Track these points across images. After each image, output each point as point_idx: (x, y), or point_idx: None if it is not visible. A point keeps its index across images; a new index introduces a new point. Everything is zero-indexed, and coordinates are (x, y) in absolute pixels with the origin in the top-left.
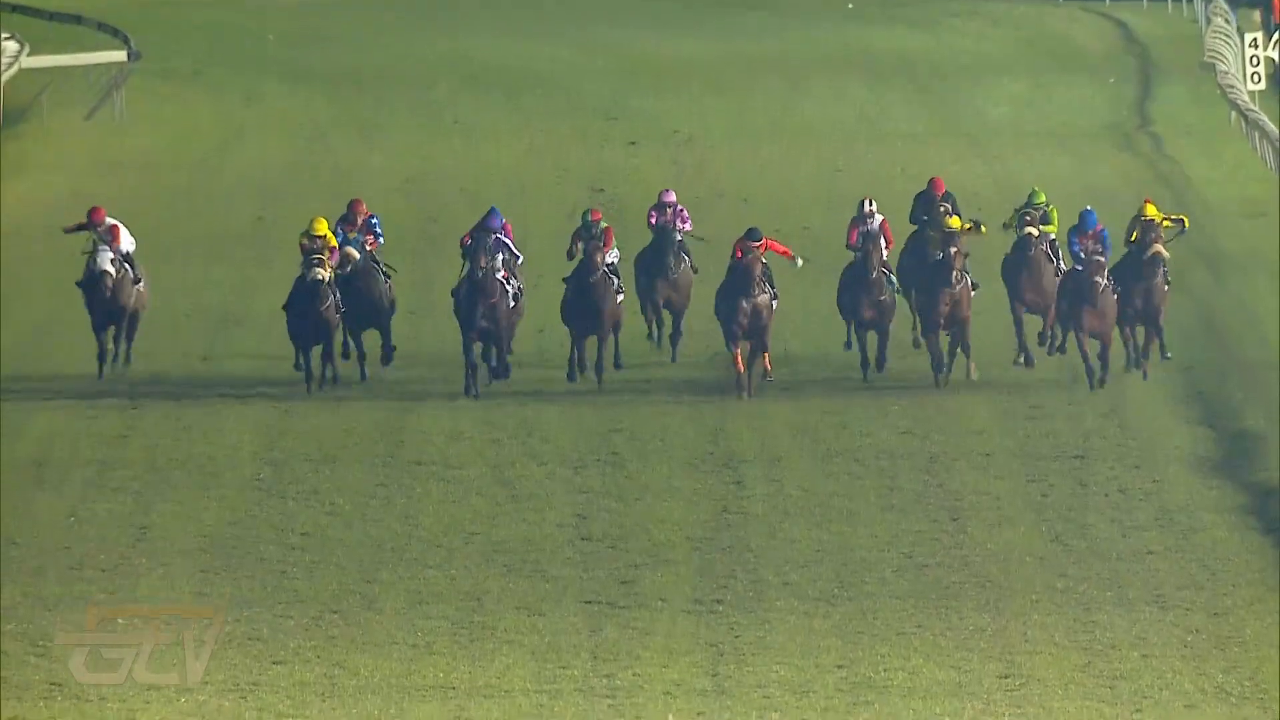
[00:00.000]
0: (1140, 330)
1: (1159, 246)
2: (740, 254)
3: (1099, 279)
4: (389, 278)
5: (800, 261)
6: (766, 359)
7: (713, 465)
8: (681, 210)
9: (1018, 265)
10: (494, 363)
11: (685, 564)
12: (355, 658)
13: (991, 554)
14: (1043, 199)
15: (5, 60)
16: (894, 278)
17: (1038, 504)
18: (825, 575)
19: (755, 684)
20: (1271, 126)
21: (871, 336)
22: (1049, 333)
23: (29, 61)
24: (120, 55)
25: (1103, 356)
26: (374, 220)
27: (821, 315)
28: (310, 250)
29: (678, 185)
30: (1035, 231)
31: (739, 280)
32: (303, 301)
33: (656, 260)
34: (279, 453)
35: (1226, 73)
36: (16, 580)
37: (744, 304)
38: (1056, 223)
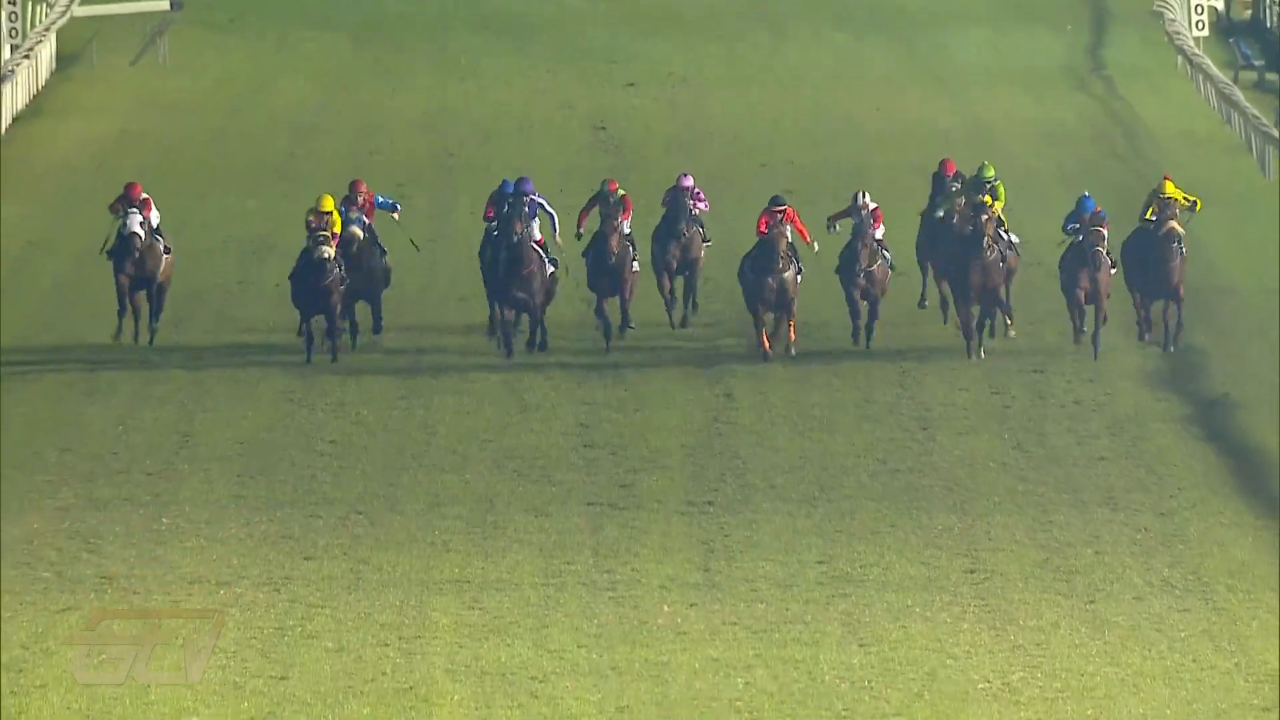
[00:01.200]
0: (1162, 305)
1: (1174, 223)
2: (765, 227)
3: (1099, 249)
4: (385, 253)
5: (816, 246)
6: (792, 330)
7: (705, 380)
8: (698, 192)
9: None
10: (532, 335)
11: (679, 469)
12: (378, 554)
13: (958, 460)
14: (991, 173)
15: (57, 9)
16: (887, 253)
17: (1000, 414)
18: (807, 479)
19: (743, 578)
20: (1214, 69)
21: (863, 306)
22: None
23: (80, 10)
24: (163, 5)
25: (1096, 325)
26: (380, 200)
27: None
28: (317, 227)
29: (672, 123)
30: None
31: (765, 255)
32: (308, 277)
33: (668, 228)
34: (308, 367)
35: (1173, 20)
36: (70, 484)
37: (770, 280)
38: (1004, 196)
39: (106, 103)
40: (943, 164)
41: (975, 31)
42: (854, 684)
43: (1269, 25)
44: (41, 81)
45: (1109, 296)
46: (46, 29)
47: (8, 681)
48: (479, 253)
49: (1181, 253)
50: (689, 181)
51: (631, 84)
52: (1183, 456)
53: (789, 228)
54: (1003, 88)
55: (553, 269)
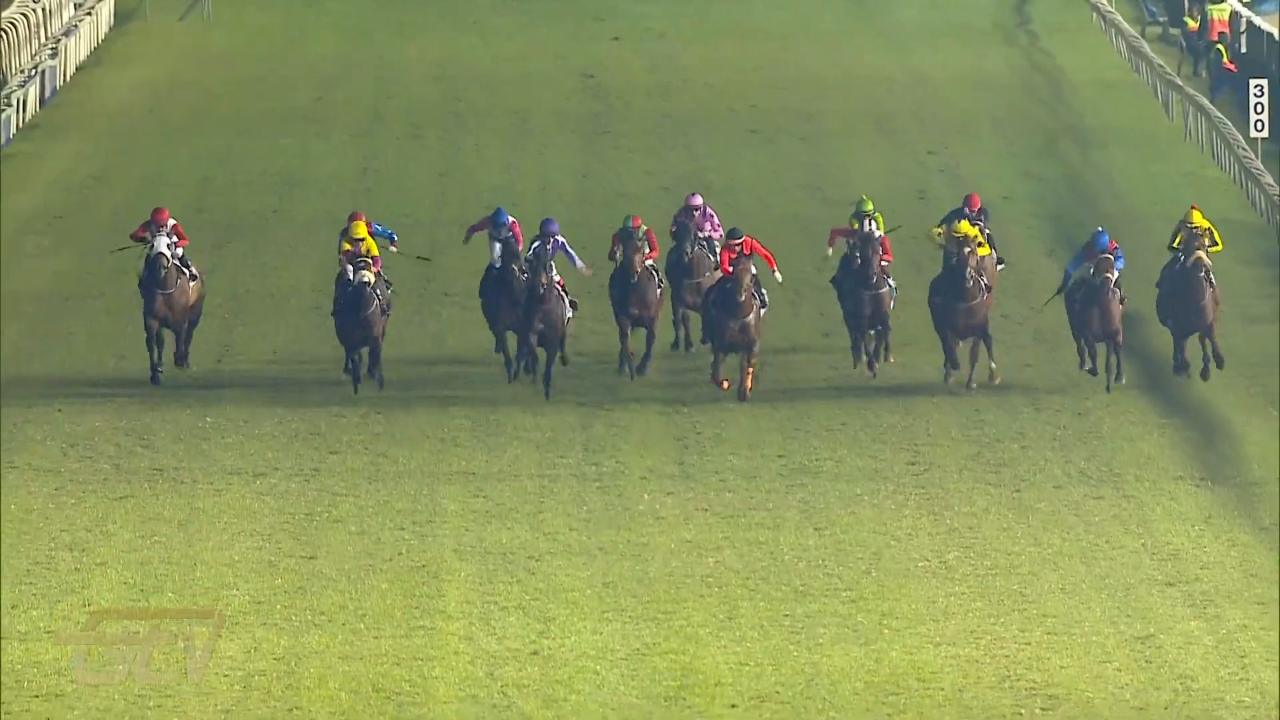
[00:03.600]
0: (1196, 338)
1: (1201, 253)
2: (729, 265)
3: (1109, 287)
4: (390, 285)
5: (779, 276)
6: (750, 374)
7: None
8: (709, 213)
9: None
10: (548, 368)
11: (657, 374)
12: (395, 449)
13: (900, 367)
14: (870, 206)
15: None
16: (892, 281)
17: None
18: (768, 384)
19: (713, 470)
20: (1124, 24)
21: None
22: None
23: None
24: None
25: (1118, 356)
26: (376, 229)
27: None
28: (354, 254)
29: (651, 72)
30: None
31: (729, 297)
32: (352, 308)
33: (677, 258)
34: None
35: None
36: (126, 388)
37: (732, 324)
38: (883, 225)
39: (158, 53)
40: (967, 199)
41: None
42: (810, 563)
43: None
44: (101, 35)
45: (1120, 330)
46: None
47: (73, 559)
48: (481, 291)
49: (1211, 285)
50: (697, 200)
51: (616, 38)
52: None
53: (753, 260)
54: (940, 41)
55: (570, 313)
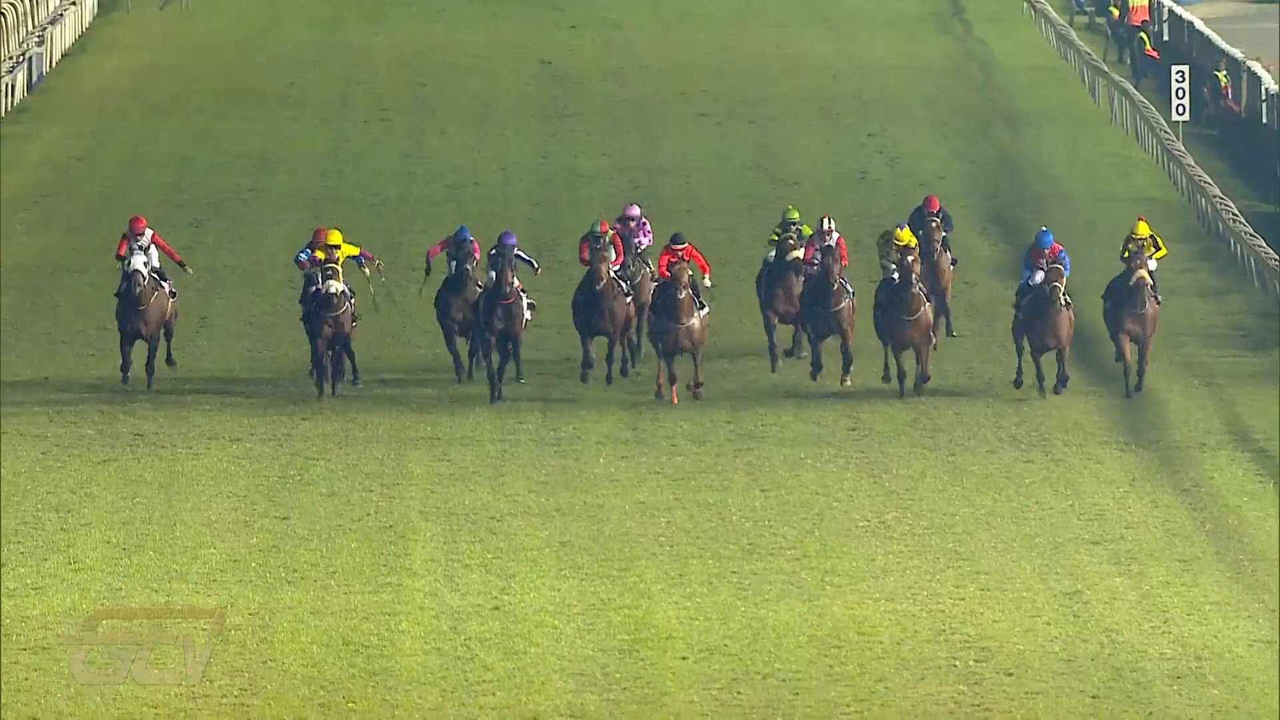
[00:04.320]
0: (1133, 349)
1: (1144, 272)
2: (666, 268)
3: (1056, 298)
4: (353, 295)
5: (710, 282)
6: (698, 375)
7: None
8: (644, 224)
9: (774, 277)
10: (517, 369)
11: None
12: (365, 415)
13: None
14: (796, 216)
15: None
16: (850, 287)
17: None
18: (717, 352)
19: (665, 435)
20: (1053, 13)
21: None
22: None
23: None
24: None
25: (1060, 365)
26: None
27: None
28: (326, 261)
29: (606, 59)
30: (799, 254)
31: (669, 302)
32: (320, 313)
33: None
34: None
35: None
36: (110, 357)
37: (675, 327)
38: (808, 231)
39: (139, 41)
40: (926, 200)
41: None
42: (756, 523)
43: None
44: (85, 24)
45: (1069, 341)
46: None
47: (59, 519)
48: (436, 300)
49: (1154, 297)
50: (635, 211)
51: (573, 26)
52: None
53: (690, 265)
54: (880, 29)
55: (529, 314)
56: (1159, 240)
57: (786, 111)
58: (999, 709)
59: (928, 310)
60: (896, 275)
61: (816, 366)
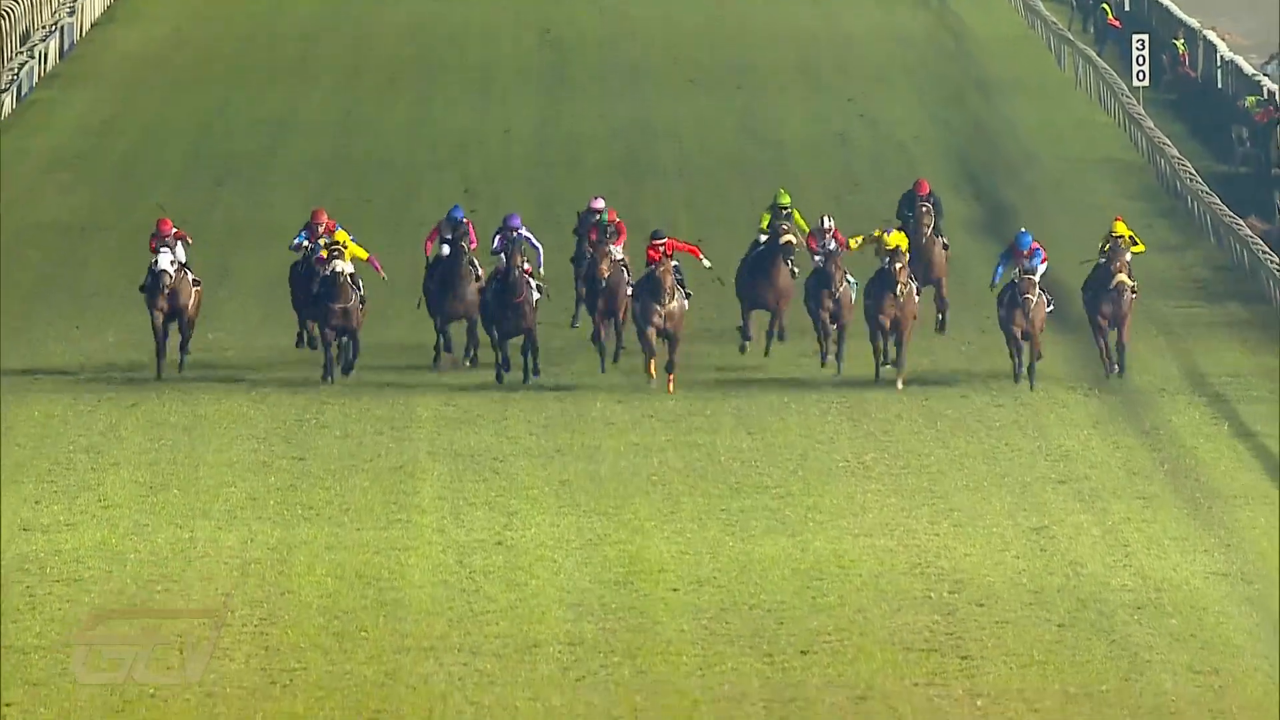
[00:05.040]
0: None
1: (1123, 275)
2: (652, 259)
3: (1029, 294)
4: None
5: (708, 263)
6: (676, 355)
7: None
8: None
9: (760, 262)
10: (525, 357)
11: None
12: (376, 361)
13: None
14: (786, 200)
15: None
16: (851, 278)
17: (865, 259)
18: (705, 305)
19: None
20: None
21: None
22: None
23: None
24: None
25: (1031, 361)
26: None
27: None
28: (330, 244)
29: (602, 27)
30: (793, 239)
31: (653, 288)
32: (326, 293)
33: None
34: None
35: None
36: (137, 312)
37: (657, 308)
38: (806, 224)
39: (164, 12)
40: (916, 183)
41: None
42: (743, 463)
43: None
44: None
45: (1042, 331)
46: None
47: (89, 460)
48: (424, 288)
49: (1131, 291)
50: (599, 204)
51: None
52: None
53: (673, 257)
54: (861, 1)
55: (538, 295)
56: (1136, 238)
57: (772, 78)
58: (971, 637)
59: (912, 290)
60: (885, 272)
61: (826, 354)
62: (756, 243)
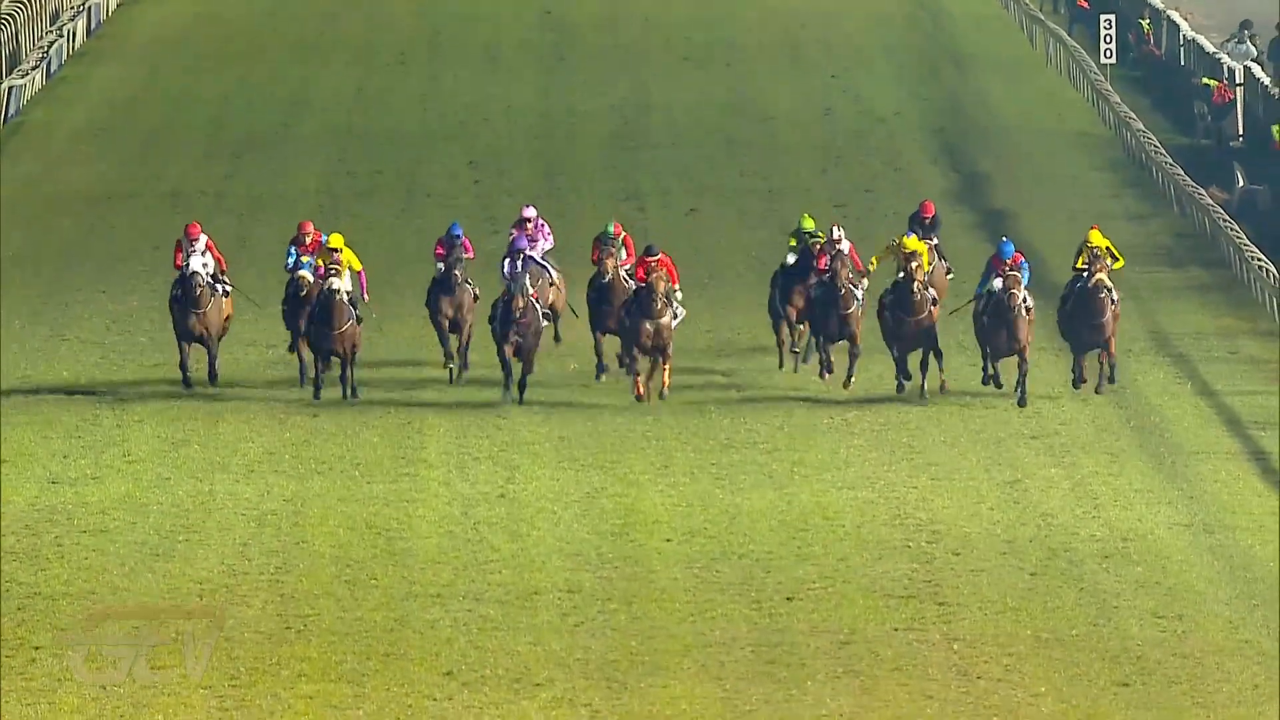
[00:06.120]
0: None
1: (1102, 275)
2: (643, 274)
3: (1015, 304)
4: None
5: (679, 294)
6: (667, 372)
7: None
8: (542, 225)
9: (790, 280)
10: (523, 377)
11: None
12: (386, 323)
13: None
14: (811, 225)
15: None
16: (859, 292)
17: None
18: (699, 269)
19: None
20: None
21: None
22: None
23: None
24: None
25: (1021, 374)
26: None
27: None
28: (329, 264)
29: (600, 6)
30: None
31: (644, 301)
32: (321, 316)
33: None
34: (336, 188)
35: None
36: (162, 271)
37: (647, 324)
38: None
39: None
40: (921, 206)
41: None
42: (733, 419)
43: None
44: None
45: (1030, 345)
46: None
47: (114, 416)
48: (426, 300)
49: (1112, 303)
50: (530, 212)
51: None
52: (973, 254)
53: (664, 274)
54: None
55: (546, 322)
56: (1114, 250)
57: (760, 55)
58: (948, 585)
59: (933, 312)
60: (901, 276)
61: (826, 368)
62: (784, 263)
